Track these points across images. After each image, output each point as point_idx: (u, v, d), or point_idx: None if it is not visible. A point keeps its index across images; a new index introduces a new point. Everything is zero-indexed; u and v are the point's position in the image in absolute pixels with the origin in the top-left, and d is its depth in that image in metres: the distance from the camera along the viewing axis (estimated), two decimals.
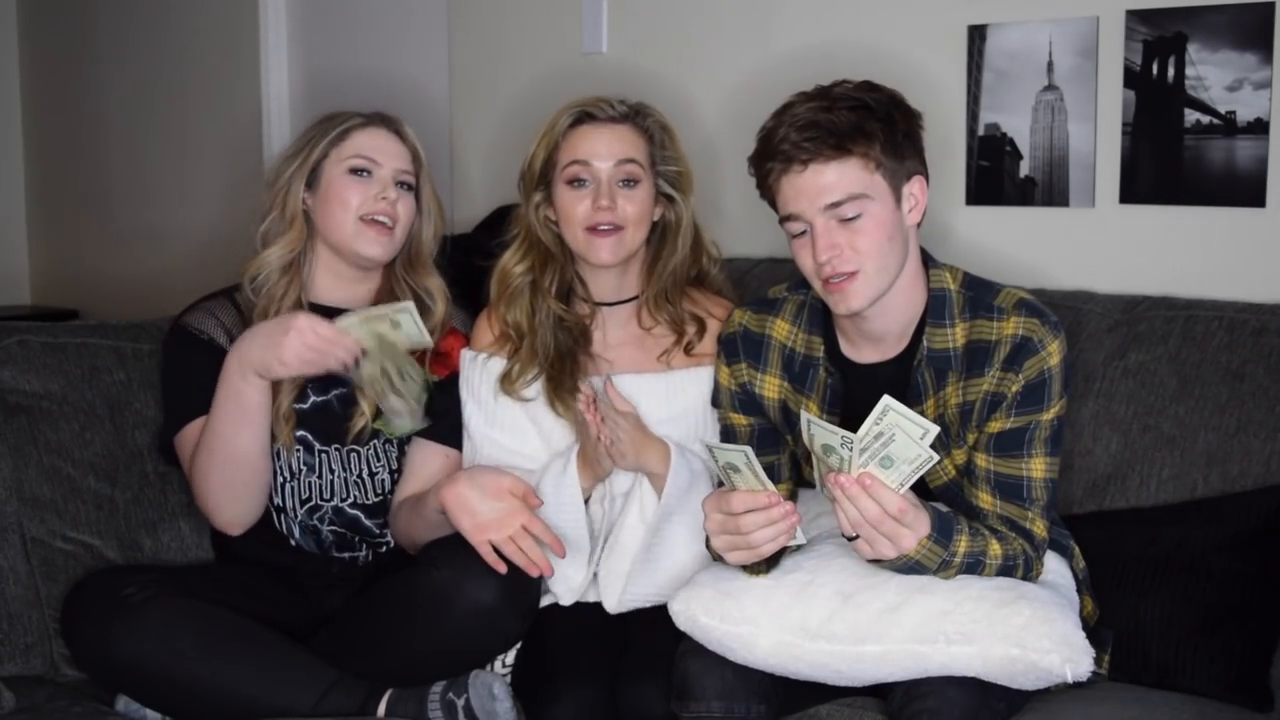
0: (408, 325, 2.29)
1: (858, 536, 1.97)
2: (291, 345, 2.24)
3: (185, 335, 2.41)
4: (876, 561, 2.00)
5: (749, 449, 1.96)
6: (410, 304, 2.31)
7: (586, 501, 2.33)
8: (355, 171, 2.38)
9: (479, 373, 2.42)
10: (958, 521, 2.03)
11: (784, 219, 2.08)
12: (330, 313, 2.41)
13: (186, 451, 2.38)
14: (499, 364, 2.41)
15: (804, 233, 2.06)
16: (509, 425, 2.40)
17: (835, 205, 2.03)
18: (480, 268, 2.50)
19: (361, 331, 2.29)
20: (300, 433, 2.39)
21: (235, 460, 2.32)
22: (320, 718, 2.19)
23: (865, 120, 2.02)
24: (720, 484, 2.12)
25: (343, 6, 3.89)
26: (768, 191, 2.09)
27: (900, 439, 1.90)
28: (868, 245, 2.04)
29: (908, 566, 1.98)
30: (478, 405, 2.41)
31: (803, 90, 2.09)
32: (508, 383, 2.39)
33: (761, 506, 1.98)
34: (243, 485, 2.34)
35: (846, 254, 2.03)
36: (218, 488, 2.33)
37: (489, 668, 2.31)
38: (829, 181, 2.02)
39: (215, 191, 4.08)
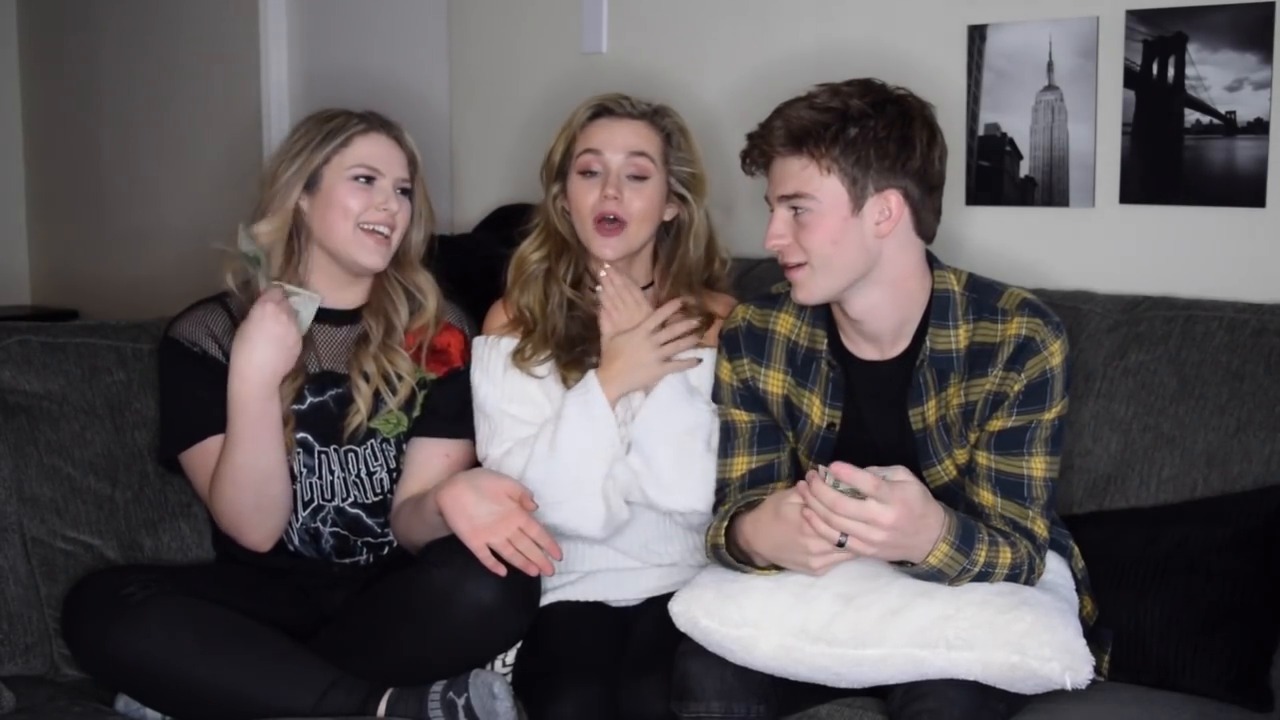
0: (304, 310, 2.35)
1: (843, 543, 1.94)
2: (261, 333, 2.29)
3: (178, 349, 2.40)
4: (898, 564, 2.00)
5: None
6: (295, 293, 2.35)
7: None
8: (358, 179, 2.38)
9: (491, 352, 2.44)
10: (979, 530, 2.02)
11: (765, 198, 2.14)
12: (323, 315, 2.41)
13: (198, 471, 2.38)
14: (511, 343, 2.43)
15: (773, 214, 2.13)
16: (523, 398, 2.41)
17: (786, 198, 2.08)
18: (502, 256, 2.52)
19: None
20: (300, 434, 2.39)
21: (270, 477, 2.33)
22: (320, 717, 2.18)
23: (830, 123, 2.04)
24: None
25: (343, 7, 3.89)
26: (757, 169, 2.16)
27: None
28: (811, 244, 2.07)
29: (929, 574, 1.98)
30: (492, 384, 2.42)
31: (824, 82, 2.11)
32: (520, 359, 2.42)
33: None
34: (274, 499, 2.34)
35: (793, 246, 2.09)
36: (252, 511, 2.33)
37: (489, 667, 2.31)
38: (782, 175, 2.09)
39: (215, 191, 4.07)
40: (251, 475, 2.31)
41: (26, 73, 4.89)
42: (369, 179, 2.38)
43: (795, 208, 2.08)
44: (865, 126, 2.04)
